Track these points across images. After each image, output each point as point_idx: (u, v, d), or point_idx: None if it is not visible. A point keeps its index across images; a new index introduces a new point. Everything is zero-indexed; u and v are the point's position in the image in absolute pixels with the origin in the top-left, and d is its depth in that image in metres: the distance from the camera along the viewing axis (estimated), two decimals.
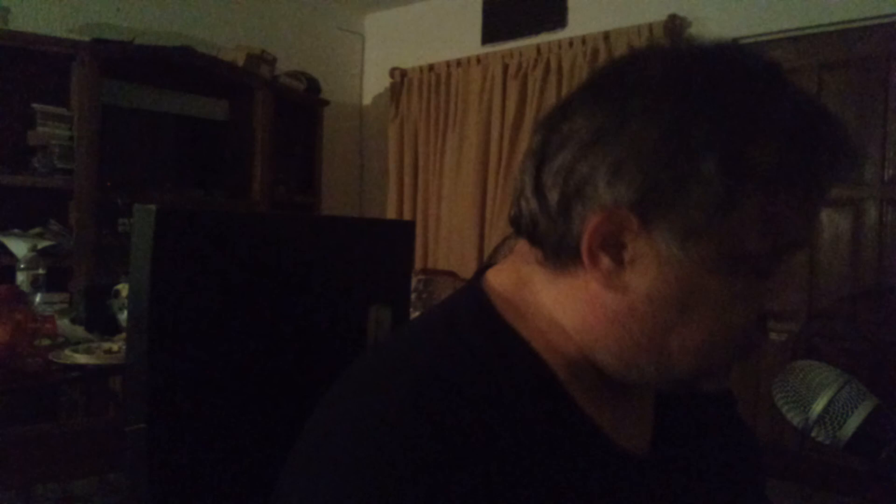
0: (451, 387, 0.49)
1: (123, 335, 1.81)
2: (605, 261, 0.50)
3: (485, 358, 0.52)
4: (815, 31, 2.97)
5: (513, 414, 0.50)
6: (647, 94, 0.49)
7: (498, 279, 0.58)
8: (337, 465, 0.47)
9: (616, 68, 0.54)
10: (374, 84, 4.63)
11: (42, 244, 2.75)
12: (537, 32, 3.76)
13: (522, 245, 0.57)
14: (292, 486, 0.49)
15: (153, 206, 0.70)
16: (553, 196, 0.51)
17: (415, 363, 0.52)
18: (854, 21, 2.85)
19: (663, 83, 0.49)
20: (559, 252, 0.53)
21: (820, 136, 0.49)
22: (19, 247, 2.65)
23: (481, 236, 3.94)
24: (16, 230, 2.89)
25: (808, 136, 0.48)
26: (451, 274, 3.90)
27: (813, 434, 0.56)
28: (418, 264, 4.12)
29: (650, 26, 3.26)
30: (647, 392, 0.60)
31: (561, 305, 0.54)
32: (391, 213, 4.32)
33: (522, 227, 0.55)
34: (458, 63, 4.08)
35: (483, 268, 0.62)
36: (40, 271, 2.23)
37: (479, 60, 3.99)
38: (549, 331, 0.54)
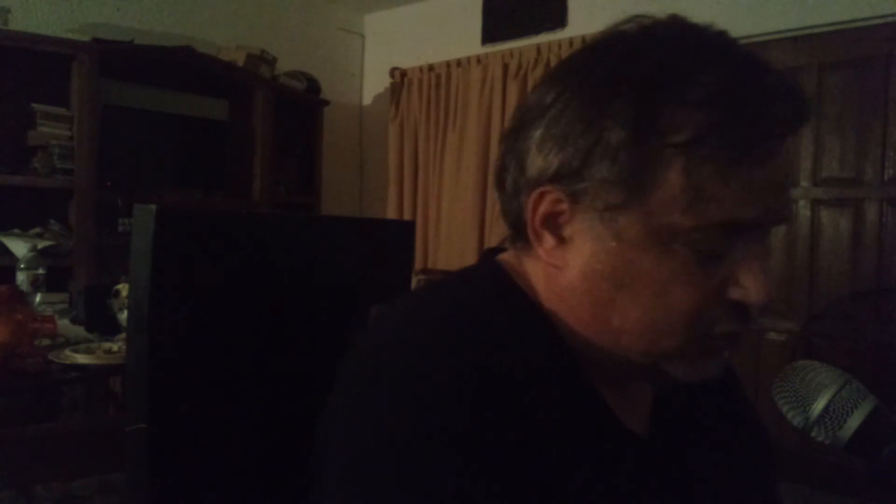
0: (475, 338, 0.51)
1: (123, 335, 1.81)
2: (548, 238, 0.52)
3: (504, 312, 0.54)
4: (815, 31, 2.97)
5: (530, 370, 0.51)
6: (574, 73, 0.51)
7: (507, 258, 0.60)
8: (385, 416, 0.47)
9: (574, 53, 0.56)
10: (374, 84, 4.63)
11: (42, 244, 2.75)
12: (537, 32, 3.76)
13: None
14: (360, 411, 0.49)
15: (153, 206, 0.69)
16: (509, 178, 0.54)
17: (434, 310, 0.54)
18: (854, 21, 2.85)
19: (588, 61, 0.51)
20: (518, 231, 0.55)
21: (740, 94, 0.46)
22: (19, 247, 2.65)
23: (481, 236, 3.94)
24: (16, 230, 2.88)
25: (727, 96, 0.46)
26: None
27: (813, 434, 0.56)
28: (418, 264, 4.12)
29: None
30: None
31: (537, 284, 0.56)
32: (391, 213, 4.32)
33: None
34: (458, 63, 4.08)
35: (490, 250, 0.63)
36: (40, 271, 2.23)
37: (479, 60, 3.99)
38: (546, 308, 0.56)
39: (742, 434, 0.66)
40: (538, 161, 0.51)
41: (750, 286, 0.49)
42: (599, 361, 0.54)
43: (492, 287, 0.56)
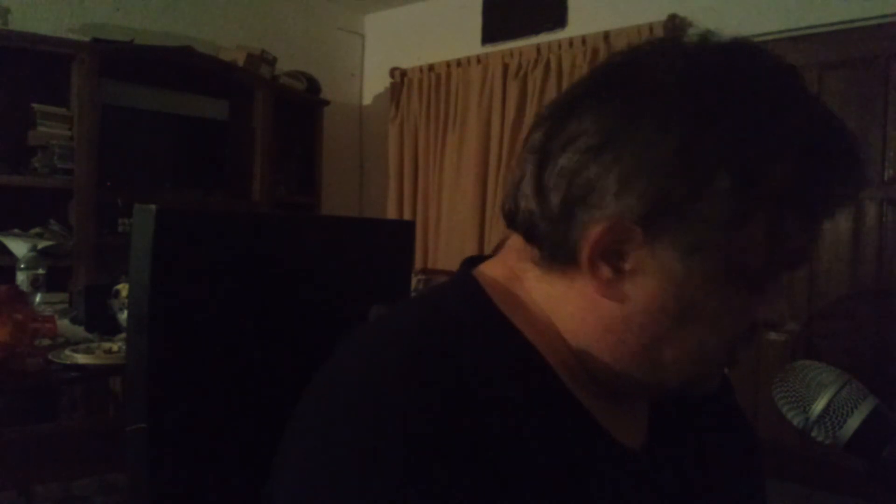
0: (437, 356, 0.48)
1: (123, 335, 1.81)
2: (605, 270, 0.49)
3: (472, 334, 0.51)
4: (815, 31, 2.97)
5: (501, 390, 0.48)
6: (659, 100, 0.47)
7: (489, 271, 0.57)
8: (338, 435, 0.46)
9: (626, 65, 0.51)
10: (374, 84, 4.63)
11: (42, 244, 2.75)
12: (537, 32, 3.76)
13: (515, 240, 0.55)
14: (298, 449, 0.49)
15: (153, 206, 0.69)
16: (555, 198, 0.50)
17: (400, 334, 0.51)
18: (854, 21, 2.85)
19: (677, 88, 0.47)
20: (557, 254, 0.51)
21: (834, 153, 0.48)
22: (19, 247, 2.65)
23: (481, 236, 3.94)
24: (16, 230, 2.89)
25: (822, 154, 0.47)
26: (451, 274, 3.89)
27: (813, 434, 0.56)
28: (418, 264, 4.12)
29: (650, 26, 3.26)
30: None
31: (554, 306, 0.53)
32: (391, 213, 4.32)
33: (519, 223, 0.53)
34: (458, 63, 4.08)
35: (471, 259, 0.60)
36: (40, 271, 2.23)
37: (479, 60, 3.99)
38: (541, 327, 0.53)
39: (734, 440, 0.65)
40: (623, 195, 0.47)
41: (778, 307, 0.52)
42: (610, 384, 0.53)
43: (461, 305, 0.54)
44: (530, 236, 0.53)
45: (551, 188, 0.50)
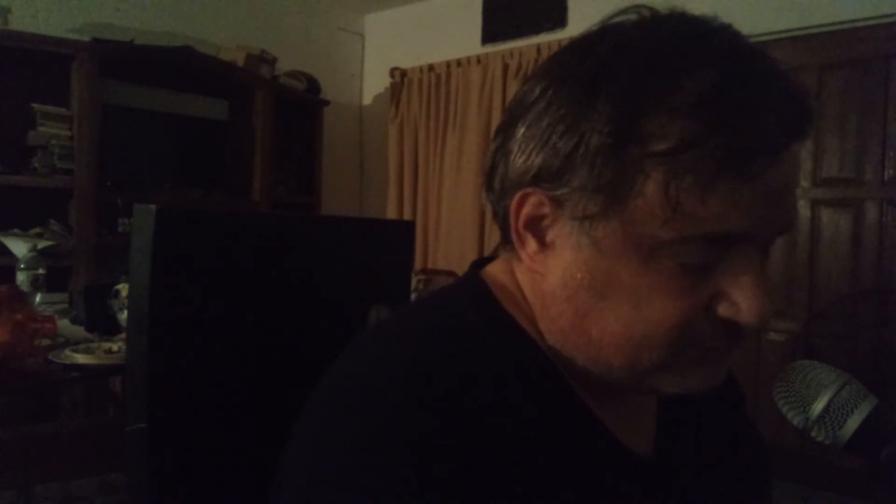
0: (444, 360, 0.48)
1: (123, 335, 1.81)
2: (531, 242, 0.50)
3: (481, 338, 0.51)
4: (815, 31, 2.97)
5: (510, 395, 0.48)
6: (563, 66, 0.48)
7: (494, 268, 0.58)
8: (342, 437, 0.46)
9: (569, 47, 0.51)
10: (374, 84, 4.63)
11: (42, 244, 2.75)
12: (537, 32, 3.76)
13: None
14: (302, 452, 0.49)
15: (153, 206, 0.70)
16: (497, 177, 0.52)
17: (409, 340, 0.51)
18: (854, 21, 2.85)
19: (583, 55, 0.47)
20: (506, 235, 0.53)
21: (729, 102, 0.42)
22: (19, 247, 2.65)
23: (481, 236, 3.94)
24: (16, 230, 2.88)
25: (715, 104, 0.42)
26: (451, 274, 3.90)
27: (813, 434, 0.56)
28: (418, 264, 4.12)
29: None
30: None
31: (528, 293, 0.54)
32: (391, 213, 4.32)
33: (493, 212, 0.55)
34: (458, 63, 4.08)
35: (478, 261, 0.61)
36: (40, 271, 2.23)
37: (479, 60, 3.99)
38: (534, 321, 0.53)
39: (742, 451, 0.65)
40: (520, 161, 0.48)
41: (742, 304, 0.45)
42: (585, 374, 0.51)
43: (469, 308, 0.54)
44: (495, 221, 0.55)
45: (497, 169, 0.52)
